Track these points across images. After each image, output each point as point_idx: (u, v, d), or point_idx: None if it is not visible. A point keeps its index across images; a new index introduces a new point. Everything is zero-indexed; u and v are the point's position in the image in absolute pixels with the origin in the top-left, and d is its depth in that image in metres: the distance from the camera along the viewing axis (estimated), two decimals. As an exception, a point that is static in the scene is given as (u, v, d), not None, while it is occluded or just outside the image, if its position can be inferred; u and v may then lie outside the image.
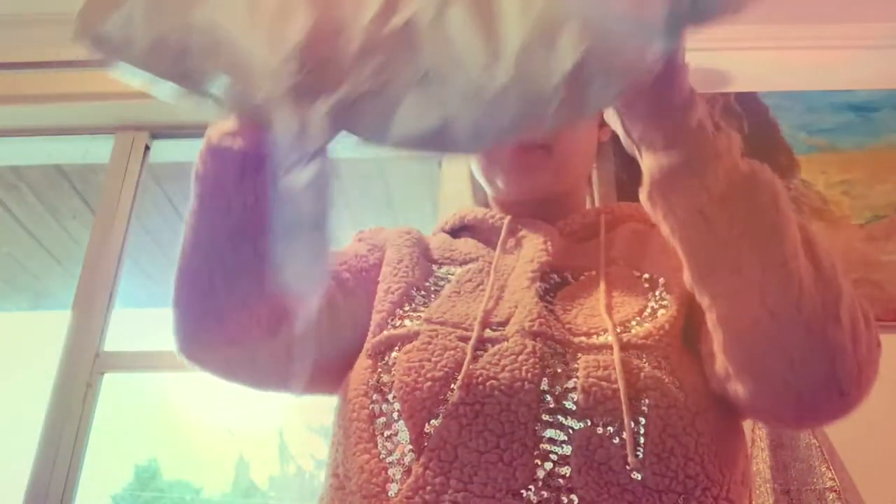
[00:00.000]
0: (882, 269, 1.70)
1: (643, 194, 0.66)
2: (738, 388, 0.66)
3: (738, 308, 0.62)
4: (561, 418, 0.65)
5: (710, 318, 0.65)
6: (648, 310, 0.74)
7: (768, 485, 1.28)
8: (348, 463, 0.70)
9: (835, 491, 1.26)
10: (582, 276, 0.81)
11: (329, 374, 0.80)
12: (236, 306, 0.69)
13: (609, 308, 0.74)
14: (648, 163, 0.65)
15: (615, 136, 0.82)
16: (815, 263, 0.62)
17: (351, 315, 0.80)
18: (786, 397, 0.63)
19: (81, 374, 1.76)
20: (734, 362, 0.65)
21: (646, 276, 0.79)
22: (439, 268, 0.85)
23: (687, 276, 0.67)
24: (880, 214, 1.76)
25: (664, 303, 0.75)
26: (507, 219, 0.87)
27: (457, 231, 0.93)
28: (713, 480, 0.65)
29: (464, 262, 0.84)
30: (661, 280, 0.78)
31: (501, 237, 0.85)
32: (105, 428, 1.78)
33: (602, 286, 0.77)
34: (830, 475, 1.27)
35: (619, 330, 0.71)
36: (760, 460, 1.31)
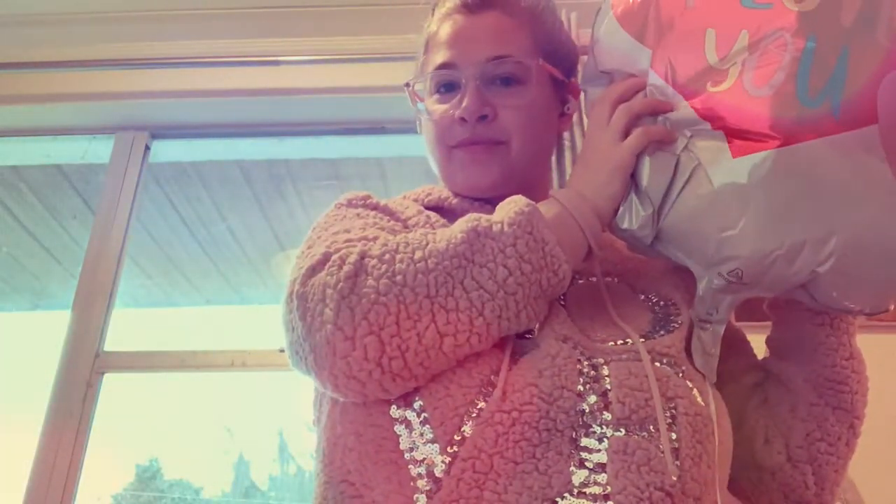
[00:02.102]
0: (882, 269, 1.69)
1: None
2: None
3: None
4: (597, 427, 0.64)
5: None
6: (660, 321, 0.75)
7: (768, 485, 1.27)
8: (367, 472, 0.67)
9: (835, 491, 1.26)
10: (579, 279, 0.80)
11: None
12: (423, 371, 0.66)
13: (622, 318, 0.74)
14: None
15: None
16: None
17: None
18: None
19: (81, 374, 1.76)
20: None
21: (652, 297, 0.80)
22: None
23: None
24: (880, 214, 1.75)
25: (671, 316, 0.76)
26: None
27: (433, 210, 0.88)
28: (714, 486, 0.65)
29: None
30: (671, 301, 0.79)
31: None
32: (105, 428, 1.78)
33: (607, 299, 0.77)
34: (830, 475, 1.27)
35: (641, 339, 0.71)
36: (760, 460, 1.31)
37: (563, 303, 0.76)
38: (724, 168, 0.69)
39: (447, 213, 0.87)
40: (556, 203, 0.74)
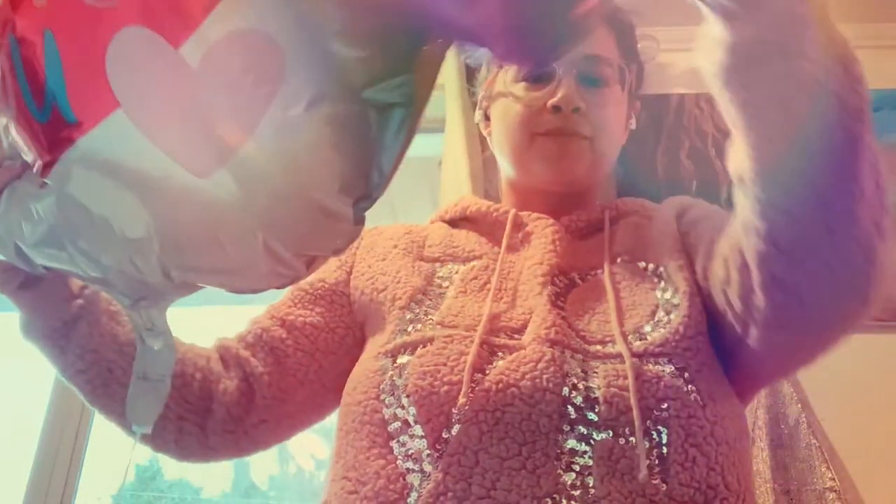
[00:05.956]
0: (882, 269, 1.69)
1: (715, 77, 0.57)
2: (758, 302, 0.63)
3: (796, 221, 0.58)
4: (582, 429, 0.64)
5: (756, 226, 0.60)
6: (661, 311, 0.73)
7: (768, 485, 1.28)
8: (361, 468, 0.69)
9: (835, 491, 1.26)
10: (589, 276, 0.79)
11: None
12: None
13: (620, 313, 0.73)
14: (723, 36, 0.55)
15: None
16: (877, 178, 0.58)
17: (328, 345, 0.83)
18: (812, 310, 0.62)
19: (81, 374, 1.76)
20: (769, 274, 0.61)
21: (650, 266, 0.78)
22: (442, 266, 0.82)
23: (741, 169, 0.60)
24: (880, 214, 1.75)
25: (675, 301, 0.73)
26: (511, 213, 0.85)
27: (456, 221, 0.90)
28: (731, 490, 0.64)
29: (467, 260, 0.82)
30: (661, 270, 0.77)
31: (507, 232, 0.83)
32: (105, 428, 1.78)
33: (610, 290, 0.75)
34: (830, 475, 1.27)
35: (634, 337, 0.70)
36: (760, 460, 1.31)
37: (561, 303, 0.75)
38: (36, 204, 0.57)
39: (469, 221, 0.89)
40: None
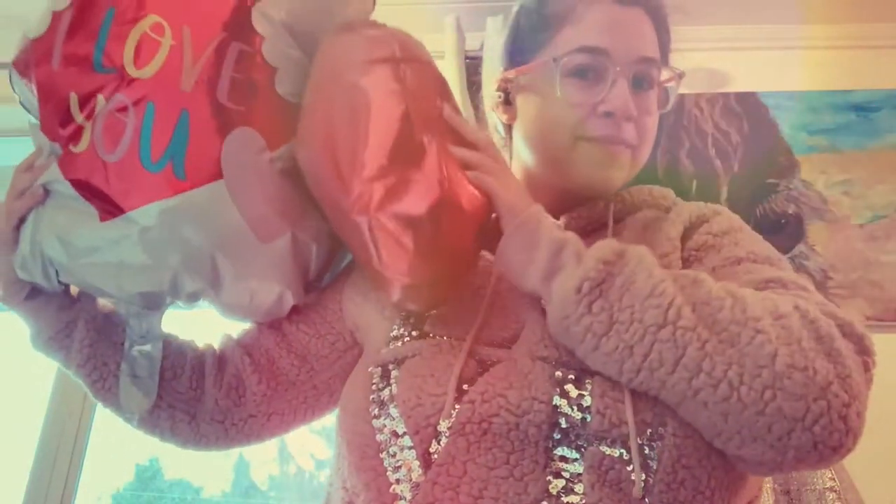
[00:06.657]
0: (882, 269, 1.70)
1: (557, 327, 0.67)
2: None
3: (697, 420, 0.61)
4: (573, 437, 0.63)
5: None
6: None
7: (768, 485, 1.28)
8: (354, 478, 0.69)
9: (835, 491, 1.26)
10: None
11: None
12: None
13: None
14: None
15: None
16: (734, 344, 0.58)
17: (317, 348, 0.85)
18: (781, 467, 0.61)
19: (81, 373, 1.76)
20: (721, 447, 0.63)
21: None
22: None
23: None
24: (880, 214, 1.75)
25: None
26: None
27: None
28: None
29: None
30: None
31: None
32: (105, 428, 1.78)
33: None
34: (830, 475, 1.27)
35: None
36: (760, 460, 1.31)
37: None
38: (86, 230, 0.74)
39: None
40: None
